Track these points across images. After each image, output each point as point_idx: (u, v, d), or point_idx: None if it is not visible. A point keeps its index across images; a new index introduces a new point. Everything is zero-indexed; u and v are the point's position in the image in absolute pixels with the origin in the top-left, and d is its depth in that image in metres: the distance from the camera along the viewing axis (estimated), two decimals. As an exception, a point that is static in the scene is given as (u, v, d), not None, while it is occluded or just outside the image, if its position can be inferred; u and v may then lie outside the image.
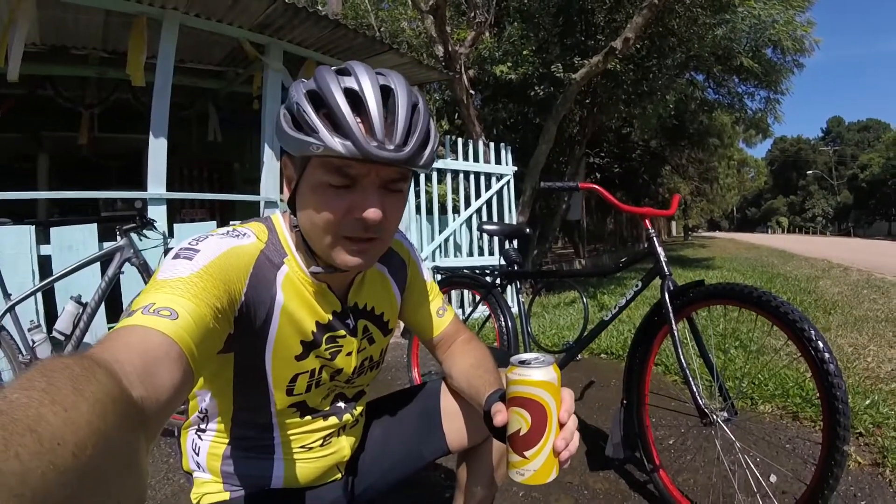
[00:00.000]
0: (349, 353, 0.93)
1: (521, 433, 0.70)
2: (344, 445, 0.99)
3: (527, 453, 0.70)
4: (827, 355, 1.22)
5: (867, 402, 2.31)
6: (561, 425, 0.71)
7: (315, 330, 0.86)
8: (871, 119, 65.49)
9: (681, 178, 19.19)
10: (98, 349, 0.49)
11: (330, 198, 0.74)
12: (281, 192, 0.86)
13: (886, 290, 5.98)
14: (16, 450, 0.28)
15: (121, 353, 0.49)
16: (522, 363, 0.71)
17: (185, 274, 0.66)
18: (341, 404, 0.97)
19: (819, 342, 1.23)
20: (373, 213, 0.73)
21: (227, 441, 0.91)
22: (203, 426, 0.93)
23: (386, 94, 0.74)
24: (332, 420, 0.96)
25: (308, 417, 0.92)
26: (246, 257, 0.77)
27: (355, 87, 0.72)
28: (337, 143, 0.69)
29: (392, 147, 0.71)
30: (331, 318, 0.88)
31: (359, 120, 0.70)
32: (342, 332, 0.90)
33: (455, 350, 1.07)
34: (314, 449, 0.94)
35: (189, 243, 0.73)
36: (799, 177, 65.29)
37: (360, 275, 0.93)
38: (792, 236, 42.88)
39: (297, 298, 0.83)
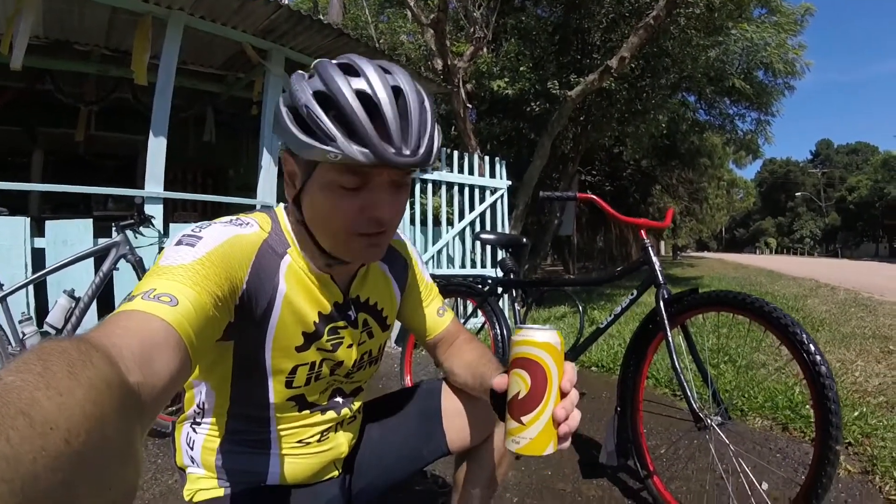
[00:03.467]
0: (350, 346, 0.92)
1: (520, 396, 0.69)
2: (342, 441, 0.98)
3: (524, 418, 0.69)
4: (818, 357, 1.25)
5: (856, 413, 2.35)
6: (563, 395, 0.70)
7: (317, 321, 0.85)
8: (860, 142, 66.90)
9: (671, 198, 19.41)
10: (96, 333, 0.49)
11: (342, 198, 0.74)
12: (277, 197, 0.86)
13: (873, 309, 6.08)
14: (7, 434, 0.28)
15: (119, 337, 0.48)
16: (527, 328, 0.72)
17: (187, 261, 0.66)
18: (339, 399, 0.96)
19: (811, 345, 1.27)
20: (387, 213, 0.75)
21: (222, 435, 0.90)
22: (199, 419, 0.91)
23: (397, 94, 0.73)
24: (330, 415, 0.94)
25: (306, 412, 0.91)
26: (249, 246, 0.77)
27: (367, 90, 0.71)
28: (356, 152, 0.69)
29: (408, 152, 0.71)
30: (333, 308, 0.88)
31: (374, 126, 0.70)
32: (343, 323, 0.90)
33: (457, 348, 1.07)
34: (311, 444, 0.93)
35: (192, 230, 0.73)
36: (787, 198, 66.38)
37: (364, 268, 0.93)
38: (780, 257, 43.41)
39: (299, 288, 0.83)
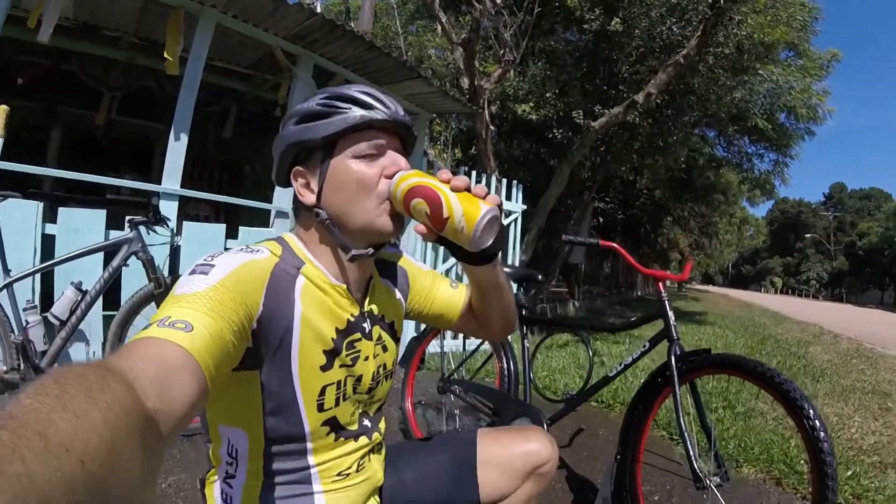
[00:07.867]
0: (367, 358, 0.93)
1: (429, 213, 0.78)
2: (377, 468, 0.99)
3: (446, 218, 0.77)
4: (822, 434, 1.30)
5: (849, 472, 2.32)
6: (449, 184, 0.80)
7: (335, 336, 0.86)
8: (874, 188, 66.48)
9: (681, 230, 19.34)
10: (114, 358, 0.49)
11: (365, 167, 0.84)
12: (294, 202, 0.91)
13: (875, 362, 6.06)
14: (22, 454, 0.28)
15: (137, 363, 0.49)
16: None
17: (202, 288, 0.67)
18: (367, 423, 0.97)
19: (816, 421, 1.32)
20: (405, 164, 0.86)
21: (262, 480, 0.86)
22: (232, 471, 0.86)
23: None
24: (363, 440, 0.95)
25: (341, 439, 0.90)
26: (261, 269, 0.78)
27: (361, 89, 0.88)
28: (372, 112, 0.84)
29: (402, 114, 0.88)
30: (350, 320, 0.89)
31: (375, 101, 0.86)
32: (359, 335, 0.91)
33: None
34: (350, 475, 0.92)
35: (205, 259, 0.75)
36: (797, 239, 66.18)
37: (373, 281, 0.97)
38: (785, 297, 43.18)
39: (315, 306, 0.84)
